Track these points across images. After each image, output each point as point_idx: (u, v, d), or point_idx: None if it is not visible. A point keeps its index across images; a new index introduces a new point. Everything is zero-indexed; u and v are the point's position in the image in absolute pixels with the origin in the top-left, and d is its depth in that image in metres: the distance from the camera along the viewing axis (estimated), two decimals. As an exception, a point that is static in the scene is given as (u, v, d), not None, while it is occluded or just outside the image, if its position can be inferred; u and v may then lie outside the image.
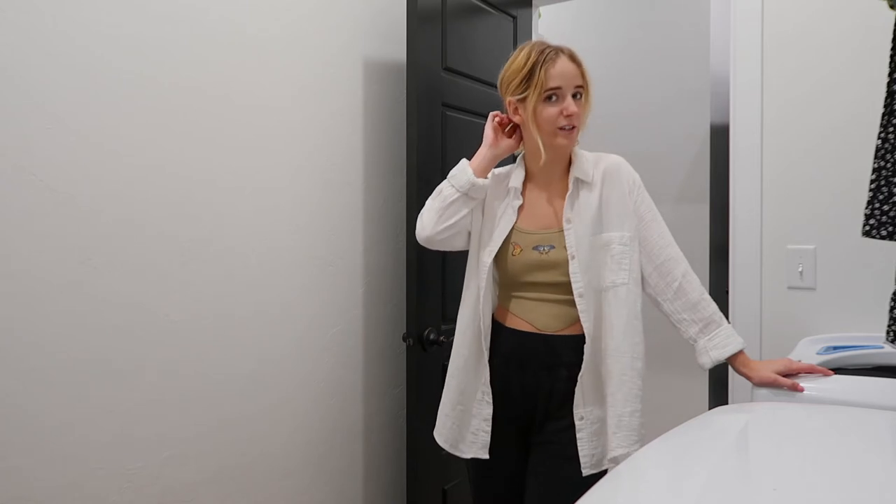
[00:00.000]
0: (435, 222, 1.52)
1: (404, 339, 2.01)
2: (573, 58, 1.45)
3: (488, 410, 1.51)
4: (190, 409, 1.60)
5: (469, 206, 1.53)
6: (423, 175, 1.99)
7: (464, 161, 1.54)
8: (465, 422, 1.54)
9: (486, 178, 1.53)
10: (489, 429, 1.50)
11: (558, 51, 1.45)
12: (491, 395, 1.51)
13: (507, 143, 1.55)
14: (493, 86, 2.28)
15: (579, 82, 1.44)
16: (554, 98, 1.43)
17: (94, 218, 1.42)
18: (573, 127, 1.44)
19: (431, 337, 2.01)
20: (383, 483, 2.17)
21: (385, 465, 2.17)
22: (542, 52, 1.44)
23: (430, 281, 2.04)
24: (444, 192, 1.53)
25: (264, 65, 1.78)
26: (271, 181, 1.80)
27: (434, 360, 2.04)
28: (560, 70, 1.42)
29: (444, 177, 2.07)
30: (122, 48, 1.46)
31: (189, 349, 1.60)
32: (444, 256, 2.07)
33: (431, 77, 2.03)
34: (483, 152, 1.54)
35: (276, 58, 1.81)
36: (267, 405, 1.79)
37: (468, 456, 1.53)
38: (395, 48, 2.17)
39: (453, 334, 2.03)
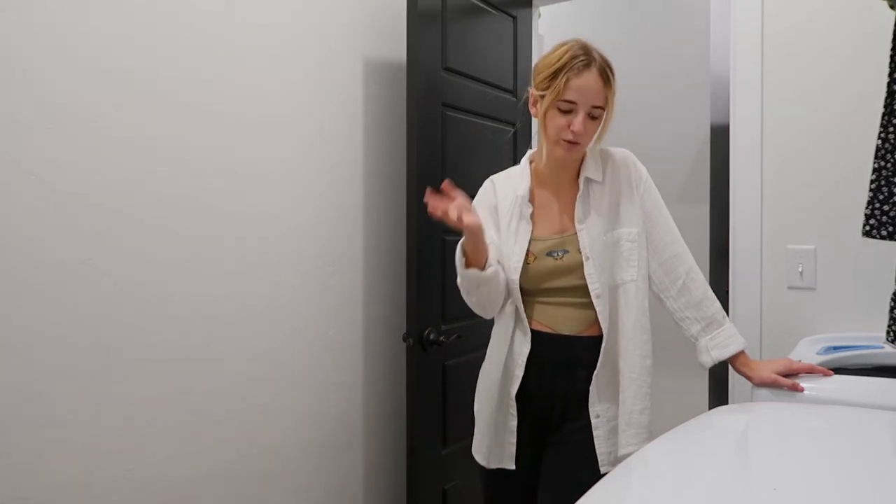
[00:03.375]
0: (490, 308, 1.48)
1: (404, 339, 2.01)
2: (605, 73, 1.36)
3: (513, 423, 1.50)
4: (190, 409, 1.60)
5: (499, 278, 1.43)
6: (423, 175, 1.99)
7: (459, 258, 1.42)
8: (493, 433, 1.53)
9: (489, 262, 1.40)
10: (514, 440, 1.50)
11: (589, 62, 1.36)
12: (516, 408, 1.50)
13: (469, 221, 1.34)
14: (494, 86, 2.30)
15: (599, 102, 1.36)
16: (567, 111, 1.37)
17: (94, 217, 1.42)
18: (577, 143, 1.39)
19: (431, 337, 2.01)
20: (383, 483, 2.17)
21: (385, 465, 2.17)
22: (573, 57, 1.36)
23: (430, 281, 2.04)
24: (471, 296, 1.45)
25: (263, 64, 1.77)
26: (270, 182, 1.80)
27: (434, 360, 2.04)
28: (581, 84, 1.35)
29: (444, 176, 2.07)
30: (121, 48, 1.46)
31: (189, 349, 1.60)
32: (444, 257, 2.07)
33: (431, 77, 2.03)
34: (462, 242, 1.41)
35: (275, 57, 1.80)
36: (267, 405, 1.79)
37: (494, 466, 1.52)
38: (395, 48, 2.17)
39: (454, 335, 2.05)
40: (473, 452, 1.58)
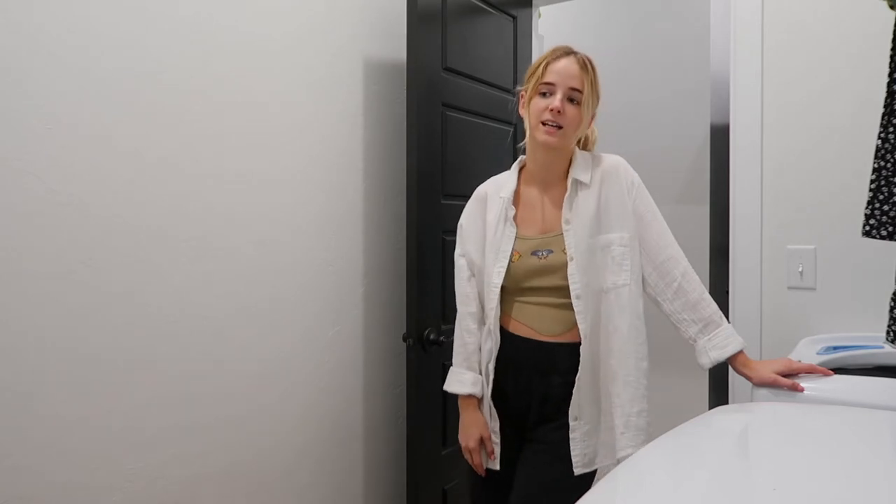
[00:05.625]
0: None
1: (404, 339, 2.01)
2: (582, 63, 1.45)
3: (495, 424, 1.53)
4: (190, 409, 1.60)
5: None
6: (423, 175, 1.99)
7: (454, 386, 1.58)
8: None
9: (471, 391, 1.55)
10: (498, 440, 1.53)
11: (569, 52, 1.46)
12: (496, 409, 1.53)
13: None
14: (493, 86, 2.30)
15: (575, 84, 1.43)
16: (547, 93, 1.44)
17: (94, 217, 1.42)
18: (558, 126, 1.43)
19: (431, 337, 2.01)
20: (383, 483, 2.17)
21: (385, 465, 2.17)
22: (555, 49, 1.48)
23: (430, 281, 2.04)
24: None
25: (264, 65, 1.77)
26: (270, 181, 1.80)
27: (434, 360, 2.04)
28: (559, 68, 1.44)
29: (444, 176, 2.08)
30: (122, 49, 1.46)
31: (189, 349, 1.60)
32: (444, 257, 2.07)
33: (431, 77, 2.03)
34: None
35: (275, 58, 1.80)
36: (267, 405, 1.79)
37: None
38: (395, 48, 2.17)
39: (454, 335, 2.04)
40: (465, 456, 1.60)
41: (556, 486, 1.43)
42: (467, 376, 1.56)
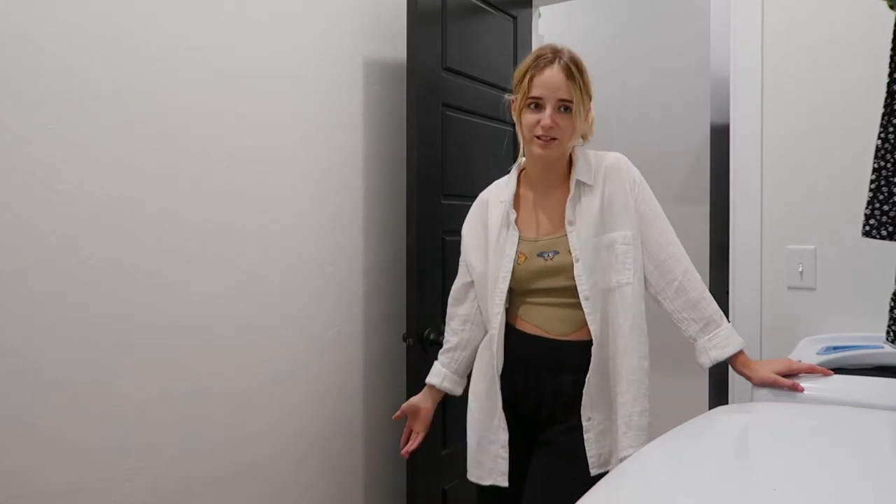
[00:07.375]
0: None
1: (404, 339, 2.01)
2: (568, 69, 1.40)
3: (504, 437, 1.50)
4: (191, 410, 1.60)
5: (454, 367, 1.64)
6: (423, 175, 1.99)
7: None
8: (485, 448, 1.53)
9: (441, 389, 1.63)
10: (507, 455, 1.50)
11: (555, 59, 1.42)
12: (505, 421, 1.50)
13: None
14: (493, 86, 2.31)
15: (564, 96, 1.40)
16: (535, 106, 1.42)
17: (94, 219, 1.42)
18: (551, 138, 1.41)
19: (431, 337, 2.01)
20: (383, 483, 2.17)
21: (385, 465, 2.17)
22: (538, 56, 1.43)
23: (430, 281, 2.04)
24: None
25: (263, 64, 1.77)
26: (270, 182, 1.80)
27: (434, 361, 2.04)
28: (544, 80, 1.40)
29: (444, 176, 2.08)
30: (123, 47, 1.46)
31: (189, 350, 1.60)
32: (444, 257, 2.07)
33: (431, 77, 2.03)
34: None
35: (275, 57, 1.81)
36: (267, 405, 1.79)
37: (488, 483, 1.51)
38: (395, 48, 2.17)
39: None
40: (468, 476, 1.57)
41: (570, 487, 1.41)
42: (436, 369, 1.64)
